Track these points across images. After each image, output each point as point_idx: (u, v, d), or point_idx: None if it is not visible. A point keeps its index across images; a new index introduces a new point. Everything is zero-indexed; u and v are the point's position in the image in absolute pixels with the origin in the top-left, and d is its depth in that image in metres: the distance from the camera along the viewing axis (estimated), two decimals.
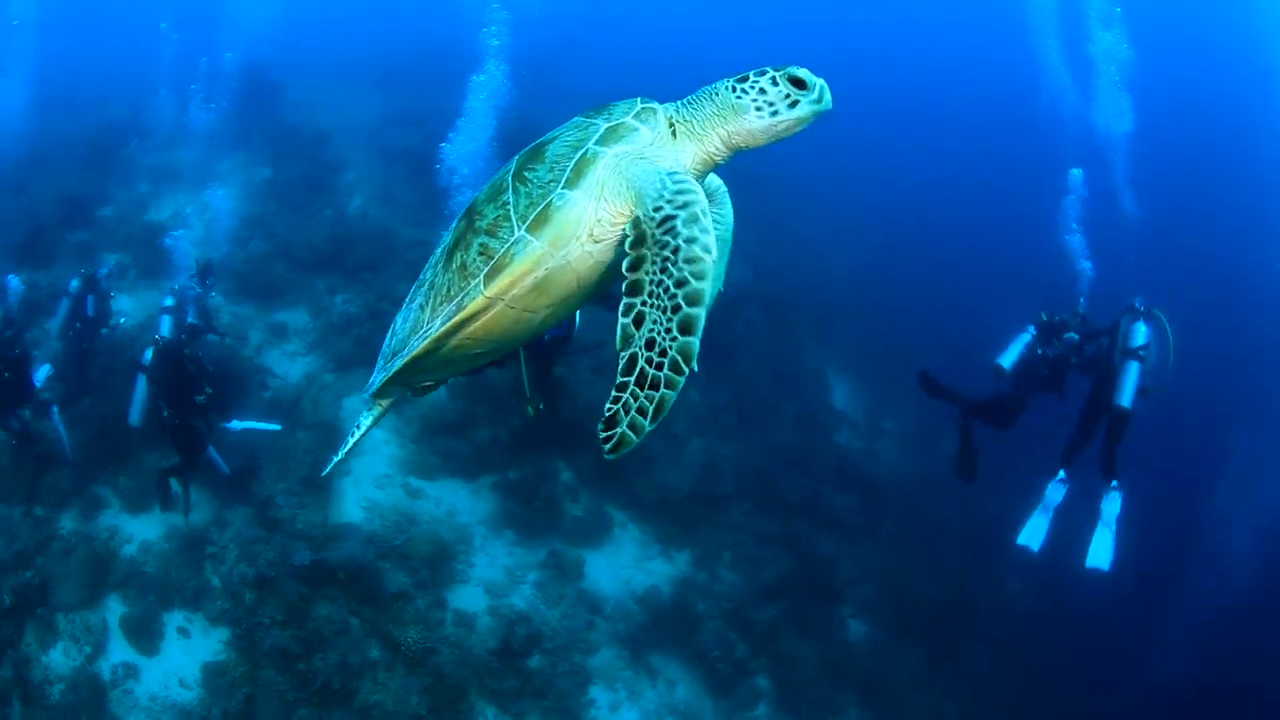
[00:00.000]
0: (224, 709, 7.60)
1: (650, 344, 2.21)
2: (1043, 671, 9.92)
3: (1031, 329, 8.02)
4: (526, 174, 2.59)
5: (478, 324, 2.58)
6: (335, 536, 8.65)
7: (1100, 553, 7.12)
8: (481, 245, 2.57)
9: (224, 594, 8.21)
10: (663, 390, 2.17)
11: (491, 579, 8.86)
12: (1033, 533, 7.72)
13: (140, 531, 8.67)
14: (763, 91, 2.56)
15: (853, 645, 9.65)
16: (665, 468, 9.90)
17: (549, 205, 2.48)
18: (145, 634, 8.19)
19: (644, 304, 2.27)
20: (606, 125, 2.60)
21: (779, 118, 2.58)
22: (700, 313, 2.18)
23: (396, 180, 11.38)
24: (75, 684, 7.71)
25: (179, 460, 8.07)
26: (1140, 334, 7.42)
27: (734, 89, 2.60)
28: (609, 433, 2.17)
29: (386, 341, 3.00)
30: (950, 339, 12.40)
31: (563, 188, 2.51)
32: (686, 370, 2.15)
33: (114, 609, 8.24)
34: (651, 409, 2.17)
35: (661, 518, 9.86)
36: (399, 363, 2.80)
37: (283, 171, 11.66)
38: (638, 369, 2.20)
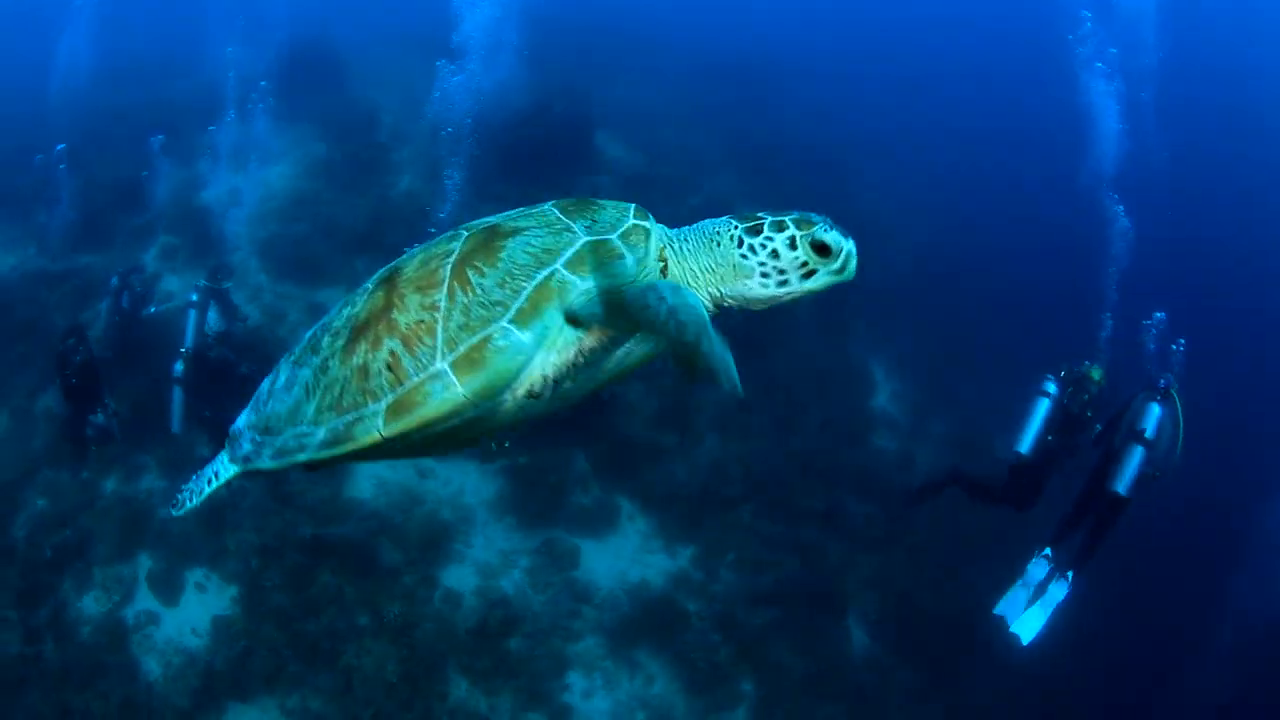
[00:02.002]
0: (225, 657, 8.71)
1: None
2: (1050, 710, 9.72)
3: (1050, 386, 7.85)
4: (470, 274, 2.25)
5: (366, 455, 2.38)
6: (341, 511, 9.62)
7: (1027, 625, 7.16)
8: (392, 355, 2.27)
9: (236, 557, 9.34)
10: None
11: (486, 560, 9.64)
12: (1012, 606, 7.63)
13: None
14: (775, 255, 2.25)
15: (848, 658, 9.83)
16: (676, 463, 10.37)
17: (486, 343, 2.18)
18: (168, 586, 9.48)
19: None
20: (586, 241, 2.27)
21: (786, 290, 2.28)
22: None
23: (457, 158, 12.29)
24: (102, 627, 9.02)
25: (216, 452, 9.25)
26: (1150, 417, 7.32)
27: (740, 242, 2.29)
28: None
29: (265, 388, 2.72)
30: (1014, 337, 12.29)
31: (509, 321, 2.19)
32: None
33: (144, 563, 9.50)
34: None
35: (670, 512, 10.37)
36: (267, 460, 2.53)
37: (336, 149, 12.80)
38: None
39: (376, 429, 2.26)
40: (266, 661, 8.75)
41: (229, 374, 9.31)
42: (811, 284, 2.24)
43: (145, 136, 11.81)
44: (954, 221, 16.50)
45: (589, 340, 2.27)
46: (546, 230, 2.30)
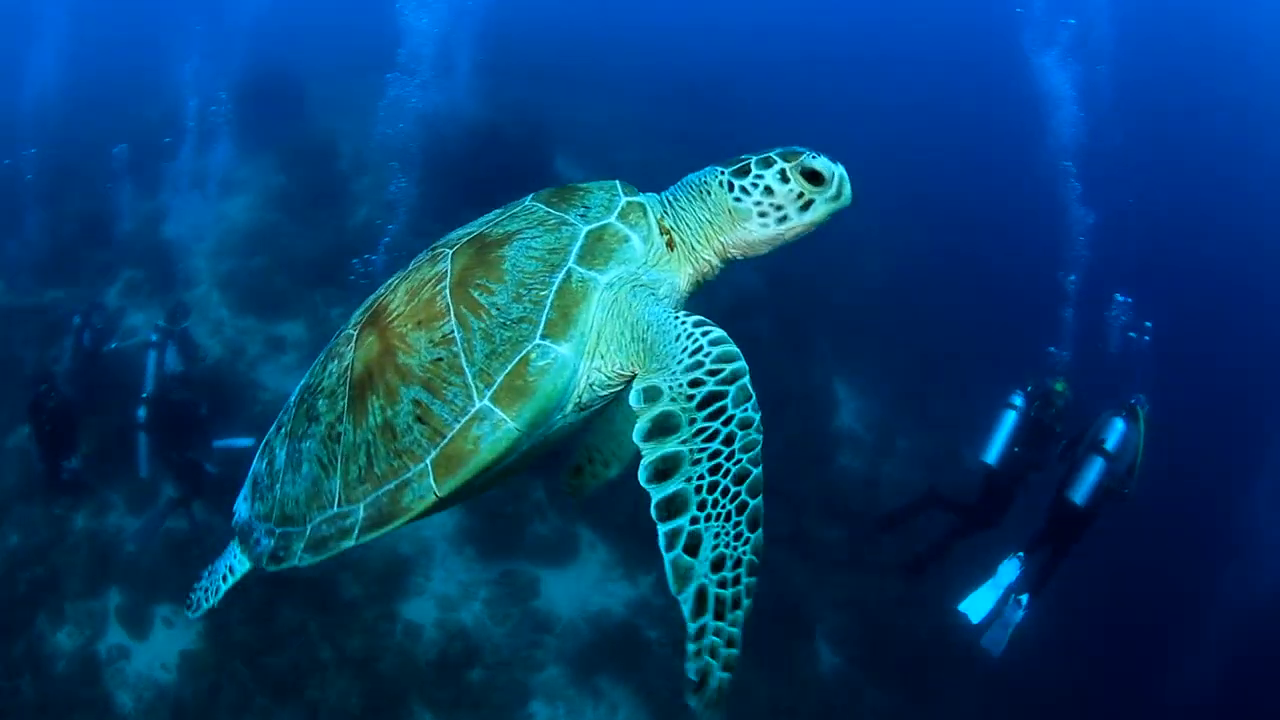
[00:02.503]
0: (194, 691, 9.07)
1: (718, 564, 1.90)
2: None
3: (1018, 399, 8.15)
4: (477, 294, 2.12)
5: (417, 519, 2.20)
6: None
7: (977, 605, 7.32)
8: (418, 404, 2.11)
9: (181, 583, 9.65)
10: (745, 603, 1.89)
11: (445, 593, 9.92)
12: (977, 605, 7.88)
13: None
14: (769, 191, 2.21)
15: (817, 679, 10.07)
16: (636, 491, 10.53)
17: (525, 366, 2.05)
18: (137, 621, 9.86)
19: (695, 521, 1.91)
20: (589, 231, 2.17)
21: (788, 225, 2.24)
22: (760, 500, 1.92)
23: (412, 185, 12.45)
24: (76, 661, 9.41)
25: (185, 491, 9.56)
26: (1114, 431, 7.56)
27: (731, 186, 2.24)
28: (703, 693, 1.85)
29: (259, 469, 2.57)
30: (981, 351, 12.43)
31: (543, 337, 2.05)
32: (759, 563, 1.88)
33: (113, 599, 9.83)
34: (739, 630, 1.88)
35: (631, 539, 10.60)
36: (305, 556, 2.32)
37: (294, 179, 13.00)
38: (710, 602, 1.88)
39: (430, 491, 2.08)
40: (234, 695, 9.14)
41: (191, 415, 9.56)
42: (811, 215, 2.21)
43: (110, 166, 12.00)
44: (915, 237, 16.61)
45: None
46: (541, 228, 2.18)
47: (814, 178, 2.18)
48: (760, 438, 1.92)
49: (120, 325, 10.97)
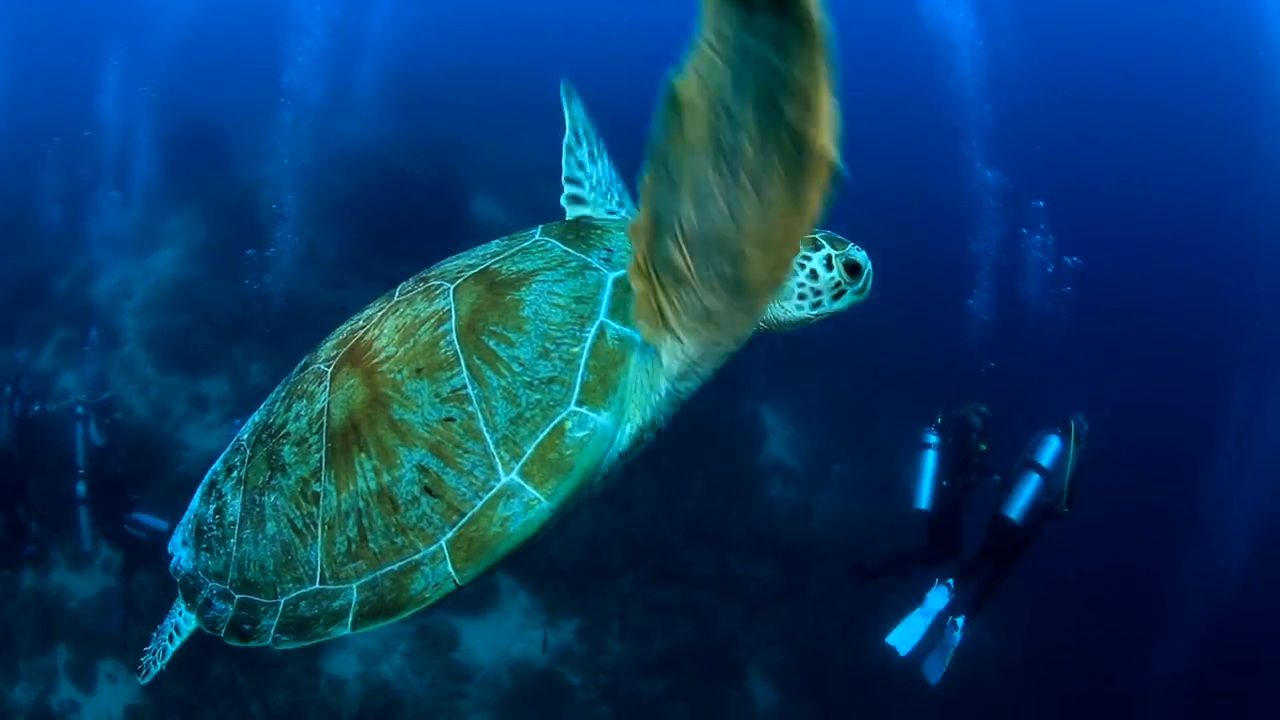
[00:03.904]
0: None
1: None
2: None
3: (930, 436, 8.29)
4: (494, 344, 1.99)
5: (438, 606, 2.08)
6: None
7: (905, 636, 7.54)
8: (424, 472, 1.95)
9: (136, 650, 10.49)
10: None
11: (366, 647, 10.50)
12: (906, 635, 8.09)
13: (81, 589, 11.18)
14: (814, 275, 2.22)
15: (753, 716, 10.37)
16: (552, 539, 10.91)
17: (561, 437, 1.91)
18: (84, 677, 10.96)
19: None
20: (616, 280, 2.06)
21: (818, 311, 2.27)
22: None
23: (325, 234, 12.79)
24: (33, 715, 10.38)
25: (127, 562, 10.33)
26: (1048, 449, 7.67)
27: None
28: None
29: (205, 515, 2.34)
30: (916, 373, 12.34)
31: (579, 404, 1.92)
32: None
33: (61, 655, 10.75)
34: None
35: (552, 586, 10.99)
36: (281, 639, 2.13)
37: (216, 232, 13.45)
38: None
39: (449, 579, 1.91)
40: None
41: (124, 489, 10.26)
42: (839, 304, 2.26)
43: (41, 224, 12.60)
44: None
45: (664, 404, 2.11)
46: (562, 270, 2.07)
47: (854, 270, 2.22)
48: None
49: (53, 389, 11.67)
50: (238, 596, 2.19)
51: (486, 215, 15.81)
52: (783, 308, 2.21)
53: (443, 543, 1.89)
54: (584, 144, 2.84)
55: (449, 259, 2.23)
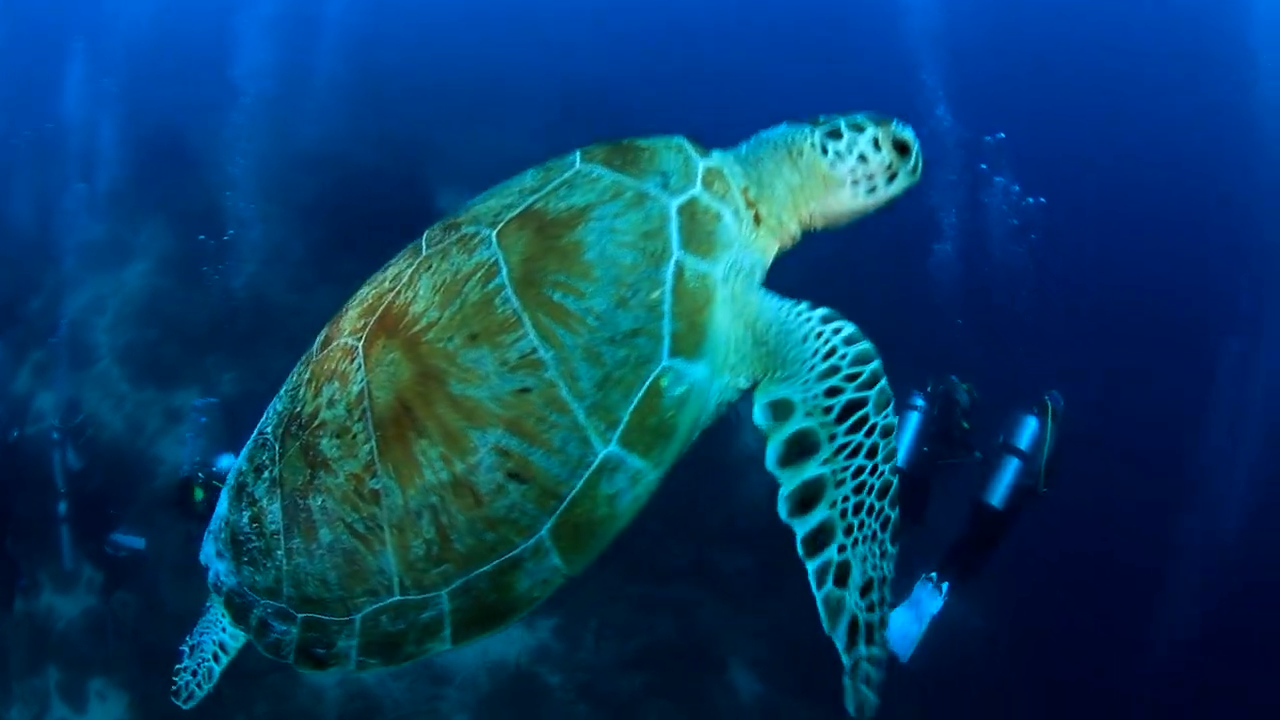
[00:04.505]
0: None
1: (865, 589, 1.85)
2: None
3: (918, 400, 8.35)
4: (559, 297, 1.80)
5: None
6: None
7: (903, 642, 7.54)
8: (505, 455, 1.76)
9: (121, 668, 10.79)
10: (888, 616, 1.87)
11: None
12: (903, 641, 8.08)
13: (67, 609, 11.51)
14: (863, 159, 2.13)
15: (738, 707, 10.44)
16: None
17: (658, 396, 1.77)
18: (76, 696, 11.28)
19: (842, 550, 1.82)
20: (680, 207, 1.91)
21: (874, 197, 2.18)
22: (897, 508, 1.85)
23: (291, 236, 12.85)
24: None
25: (108, 581, 10.64)
26: (1025, 431, 7.69)
27: (824, 149, 2.14)
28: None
29: (239, 523, 2.12)
30: (889, 343, 12.16)
31: (672, 355, 1.78)
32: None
33: (53, 675, 11.09)
34: (882, 650, 1.87)
35: None
36: (367, 659, 1.97)
37: (183, 242, 13.55)
38: (861, 632, 1.86)
39: (557, 574, 1.81)
40: None
41: (104, 503, 10.54)
42: (894, 188, 2.17)
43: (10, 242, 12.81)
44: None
45: (748, 343, 1.98)
46: (619, 203, 1.89)
47: (903, 149, 2.15)
48: (896, 447, 1.83)
49: (30, 408, 11.94)
50: (300, 616, 2.01)
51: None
52: (837, 197, 2.11)
53: (543, 533, 1.77)
54: None
55: (476, 200, 2.05)
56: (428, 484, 1.77)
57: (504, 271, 1.78)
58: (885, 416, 1.75)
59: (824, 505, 1.71)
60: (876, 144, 2.06)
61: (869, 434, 1.71)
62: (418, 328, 1.79)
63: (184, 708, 2.65)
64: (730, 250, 1.88)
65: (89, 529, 11.21)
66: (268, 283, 12.87)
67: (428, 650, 1.88)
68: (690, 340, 1.74)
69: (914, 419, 8.22)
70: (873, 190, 2.09)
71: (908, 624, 7.95)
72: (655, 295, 1.75)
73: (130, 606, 11.60)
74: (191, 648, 2.65)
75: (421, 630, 1.87)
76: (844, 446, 1.72)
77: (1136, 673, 11.63)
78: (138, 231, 14.11)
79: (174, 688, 2.67)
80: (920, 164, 2.11)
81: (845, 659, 1.76)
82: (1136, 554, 12.34)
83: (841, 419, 1.74)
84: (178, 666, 2.69)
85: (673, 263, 1.78)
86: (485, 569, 1.77)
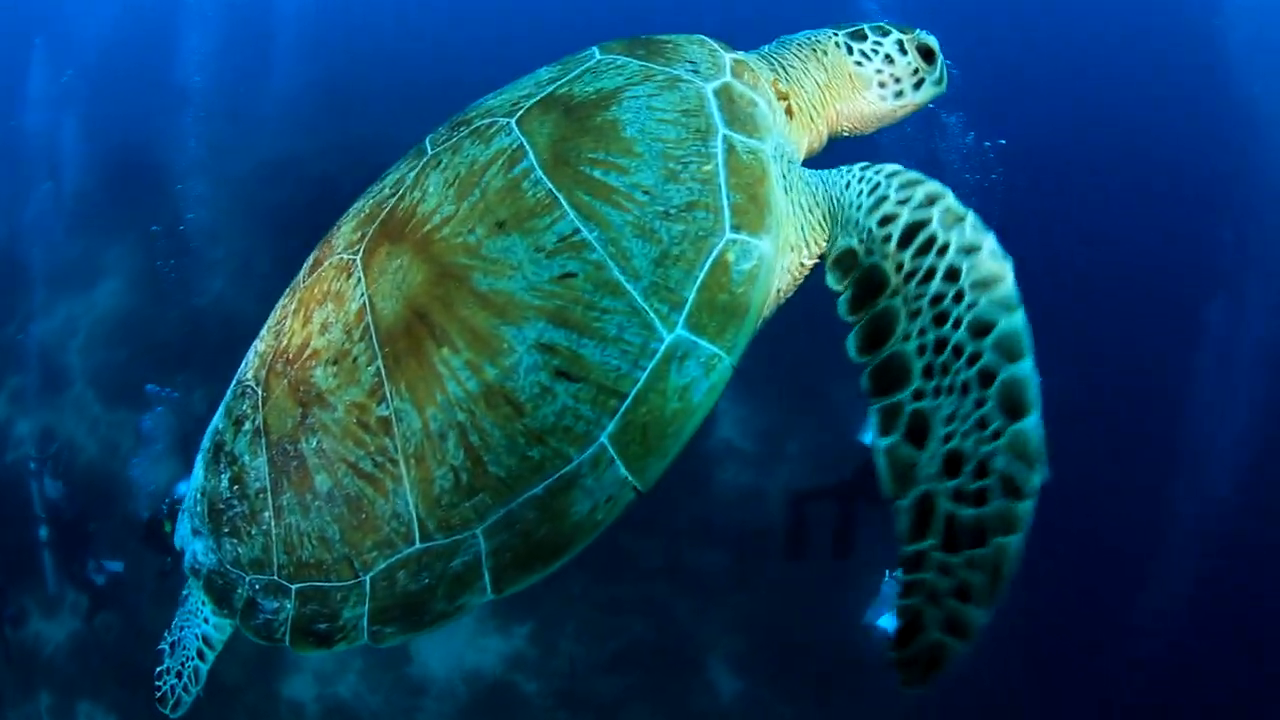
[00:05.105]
0: None
1: (954, 465, 1.45)
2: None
3: None
4: (602, 174, 1.64)
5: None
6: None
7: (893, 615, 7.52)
8: (550, 351, 1.56)
9: (105, 690, 11.05)
10: (997, 541, 1.40)
11: (321, 667, 10.84)
12: (879, 611, 8.24)
13: (54, 635, 11.77)
14: (889, 60, 2.14)
15: (718, 706, 10.42)
16: None
17: (727, 272, 1.60)
18: (65, 719, 11.23)
19: (920, 395, 1.51)
20: (716, 90, 1.80)
21: (900, 101, 2.18)
22: (1030, 369, 1.46)
23: (259, 249, 12.92)
24: None
25: (89, 604, 10.90)
26: None
27: (849, 49, 2.15)
28: (907, 652, 1.45)
29: (221, 494, 1.85)
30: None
31: (734, 228, 1.63)
32: (1035, 481, 1.41)
33: (44, 700, 11.37)
34: (986, 581, 1.42)
35: None
36: (371, 629, 1.65)
37: (154, 256, 13.69)
38: (939, 521, 1.44)
39: (626, 486, 1.54)
40: None
41: (83, 525, 10.79)
42: (920, 94, 2.17)
43: None
44: None
45: (808, 224, 1.89)
46: (651, 84, 1.78)
47: (928, 55, 2.17)
48: (1006, 267, 1.53)
49: (9, 436, 12.21)
50: (294, 587, 1.76)
51: None
52: (865, 98, 2.12)
53: (604, 439, 1.55)
54: None
55: (484, 99, 1.89)
56: (452, 399, 1.56)
57: (530, 155, 1.63)
58: (960, 232, 1.52)
59: (896, 339, 1.49)
60: (902, 47, 2.10)
61: (941, 253, 1.50)
62: (429, 226, 1.59)
63: (172, 717, 2.37)
64: (772, 134, 1.79)
65: (70, 553, 11.51)
66: (235, 297, 13.03)
67: (463, 606, 1.60)
68: (753, 213, 1.62)
69: None
70: (900, 94, 2.12)
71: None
72: (708, 168, 1.63)
73: (113, 629, 11.86)
74: (172, 645, 2.39)
75: (453, 582, 1.63)
76: (914, 272, 1.52)
77: (1126, 654, 11.48)
78: (107, 250, 14.30)
79: (158, 694, 2.41)
80: (945, 74, 2.15)
81: (905, 547, 1.30)
82: (1124, 532, 12.14)
83: (904, 243, 1.56)
84: (159, 669, 2.44)
85: (720, 137, 1.67)
86: (532, 493, 1.56)
